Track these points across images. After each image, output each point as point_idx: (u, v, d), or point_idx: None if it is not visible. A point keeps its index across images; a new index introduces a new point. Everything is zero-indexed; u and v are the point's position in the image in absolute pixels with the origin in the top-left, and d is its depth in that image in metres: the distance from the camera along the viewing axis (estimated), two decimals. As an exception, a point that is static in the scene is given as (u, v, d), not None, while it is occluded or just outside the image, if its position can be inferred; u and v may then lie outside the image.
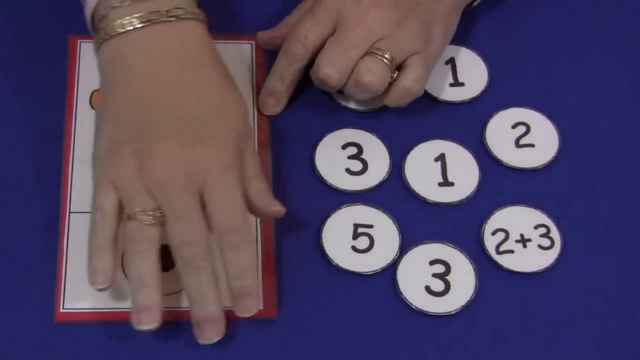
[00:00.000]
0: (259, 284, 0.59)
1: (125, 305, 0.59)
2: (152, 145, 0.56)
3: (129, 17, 0.58)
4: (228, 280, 0.57)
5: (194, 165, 0.56)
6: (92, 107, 0.66)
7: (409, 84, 0.64)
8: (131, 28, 0.59)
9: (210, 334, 0.56)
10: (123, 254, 0.59)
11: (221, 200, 0.56)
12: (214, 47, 0.61)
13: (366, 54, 0.63)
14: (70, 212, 0.62)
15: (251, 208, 0.58)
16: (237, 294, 0.57)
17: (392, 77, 0.64)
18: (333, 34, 0.64)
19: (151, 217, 0.56)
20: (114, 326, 0.58)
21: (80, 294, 0.59)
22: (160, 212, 0.56)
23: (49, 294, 0.59)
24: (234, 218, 0.57)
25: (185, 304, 0.59)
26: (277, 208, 0.59)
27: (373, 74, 0.62)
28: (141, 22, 0.58)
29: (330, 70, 0.63)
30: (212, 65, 0.60)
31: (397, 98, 0.65)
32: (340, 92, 0.67)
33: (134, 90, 0.58)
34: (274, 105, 0.67)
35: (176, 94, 0.58)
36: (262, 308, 0.59)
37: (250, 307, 0.57)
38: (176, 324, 0.59)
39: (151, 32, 0.59)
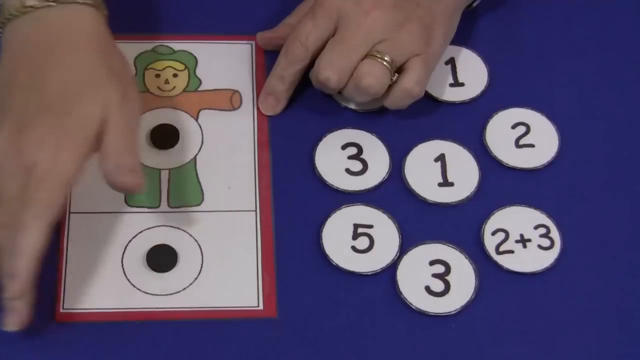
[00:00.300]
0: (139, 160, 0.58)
1: (125, 305, 0.59)
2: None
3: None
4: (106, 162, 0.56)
5: (29, 146, 0.55)
6: (92, 108, 0.67)
7: (410, 85, 0.64)
8: (17, 14, 0.59)
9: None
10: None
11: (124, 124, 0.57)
12: (101, 35, 0.60)
13: (366, 56, 0.63)
14: (70, 213, 0.62)
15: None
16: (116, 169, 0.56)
17: (391, 79, 0.64)
18: (333, 35, 0.64)
19: None
20: (114, 326, 0.58)
21: (80, 294, 0.59)
22: None
23: (49, 294, 0.59)
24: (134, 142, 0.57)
25: (185, 304, 0.60)
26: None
27: (373, 77, 0.62)
28: (32, 6, 0.58)
29: (330, 73, 0.63)
30: (86, 52, 0.59)
31: (397, 100, 0.65)
32: (341, 92, 0.67)
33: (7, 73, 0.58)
34: (274, 106, 0.67)
35: (38, 80, 0.57)
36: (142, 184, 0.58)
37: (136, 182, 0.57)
38: (176, 324, 0.59)
39: (36, 17, 0.58)
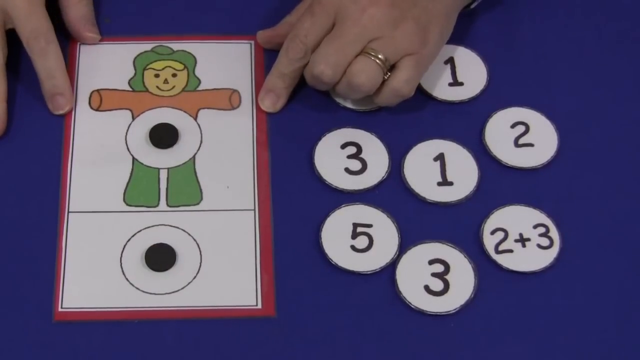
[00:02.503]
0: (68, 80, 0.66)
1: (124, 304, 0.59)
2: None
3: None
4: (41, 84, 0.65)
5: None
6: (92, 108, 0.66)
7: (398, 85, 0.64)
8: None
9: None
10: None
11: (22, 11, 0.64)
12: None
13: (360, 53, 0.63)
14: (69, 212, 0.62)
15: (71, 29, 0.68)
16: (50, 94, 0.65)
17: (384, 77, 0.64)
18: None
19: None
20: (112, 325, 0.58)
21: (78, 293, 0.59)
22: None
23: (48, 293, 0.59)
24: (37, 24, 0.65)
25: (183, 303, 0.60)
26: (90, 35, 0.68)
27: (365, 75, 0.63)
28: None
29: (324, 67, 0.63)
30: None
31: (386, 98, 0.65)
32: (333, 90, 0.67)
33: None
34: (274, 103, 0.67)
35: None
36: (72, 105, 0.66)
37: (63, 104, 0.65)
38: (174, 323, 0.59)
39: None
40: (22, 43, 0.65)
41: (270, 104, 0.67)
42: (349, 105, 0.68)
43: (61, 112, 0.65)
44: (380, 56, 0.63)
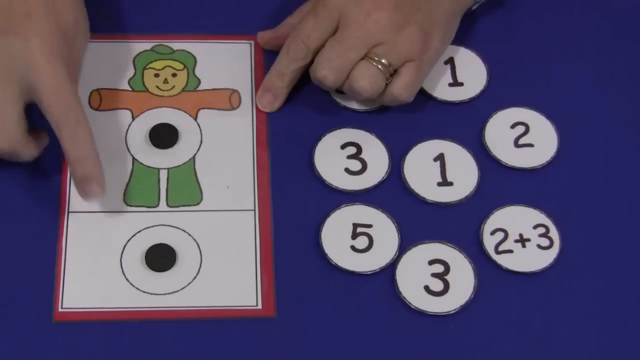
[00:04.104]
0: (100, 165, 0.60)
1: (124, 304, 0.59)
2: None
3: None
4: (70, 170, 0.59)
5: (16, 52, 0.57)
6: (91, 107, 0.66)
7: (397, 91, 0.64)
8: None
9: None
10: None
11: (49, 87, 0.57)
12: None
13: (364, 57, 0.63)
14: (69, 212, 0.62)
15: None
16: (81, 180, 0.59)
17: (387, 82, 0.64)
18: (334, 34, 0.64)
19: None
20: (112, 326, 0.58)
21: (78, 294, 0.59)
22: None
23: (48, 294, 0.59)
24: (66, 106, 0.58)
25: (183, 303, 0.60)
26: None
27: (367, 81, 0.63)
28: None
29: (327, 72, 0.63)
30: None
31: (386, 102, 0.66)
32: (340, 91, 0.67)
33: None
34: (272, 102, 0.67)
35: None
36: (105, 191, 0.60)
37: (96, 191, 0.59)
38: (174, 324, 0.59)
39: None
40: (47, 120, 0.59)
41: (268, 104, 0.67)
42: (349, 105, 0.68)
43: (93, 199, 0.59)
44: (383, 61, 0.63)
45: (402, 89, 0.64)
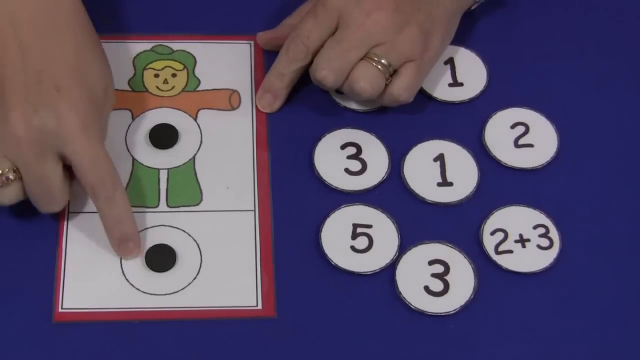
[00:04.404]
0: (136, 224, 0.61)
1: (124, 305, 0.59)
2: (7, 112, 0.57)
3: None
4: (107, 231, 0.60)
5: (50, 128, 0.57)
6: (91, 107, 0.66)
7: (397, 92, 0.64)
8: None
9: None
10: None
11: (85, 157, 0.58)
12: (78, 11, 0.61)
13: (363, 58, 0.63)
14: (69, 212, 0.62)
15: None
16: (118, 240, 0.60)
17: (386, 83, 0.64)
18: (334, 34, 0.64)
19: (5, 179, 0.57)
20: (112, 326, 0.58)
21: (79, 294, 0.59)
22: (16, 172, 0.58)
23: (48, 294, 0.59)
24: (103, 172, 0.58)
25: (184, 303, 0.60)
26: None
27: (367, 82, 0.63)
28: None
29: (326, 73, 0.63)
30: (72, 30, 0.60)
31: (386, 102, 0.66)
32: (340, 91, 0.67)
33: None
34: (271, 103, 0.67)
35: (31, 58, 0.58)
36: (140, 248, 0.61)
37: (133, 248, 0.60)
38: (175, 324, 0.59)
39: None
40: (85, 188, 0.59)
41: (268, 104, 0.67)
42: (348, 105, 0.68)
43: (130, 257, 0.60)
44: (383, 61, 0.63)
45: (402, 90, 0.64)
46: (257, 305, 0.60)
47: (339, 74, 0.63)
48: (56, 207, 0.59)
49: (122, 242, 0.60)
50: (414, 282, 0.61)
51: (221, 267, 0.61)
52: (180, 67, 0.69)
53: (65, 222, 0.62)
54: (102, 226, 0.62)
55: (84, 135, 0.57)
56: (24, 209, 0.62)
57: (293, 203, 0.64)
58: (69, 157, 0.58)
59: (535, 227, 0.64)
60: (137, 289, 0.60)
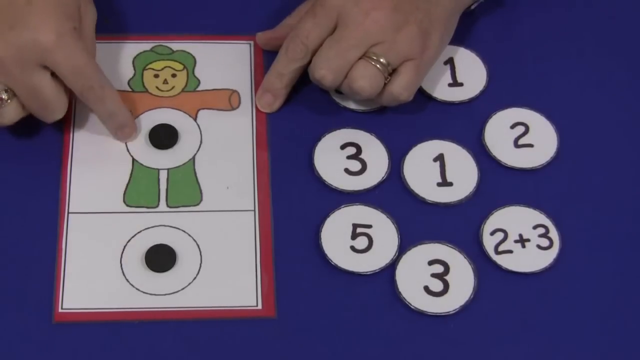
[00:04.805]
0: (128, 111, 0.65)
1: (124, 305, 0.59)
2: None
3: None
4: (104, 123, 0.64)
5: (26, 41, 0.59)
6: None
7: (397, 90, 0.64)
8: None
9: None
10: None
11: (66, 66, 0.60)
12: None
13: (362, 57, 0.63)
14: (69, 213, 0.62)
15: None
16: (116, 129, 0.65)
17: (385, 82, 0.64)
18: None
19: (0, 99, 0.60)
20: (112, 326, 0.58)
21: (79, 294, 0.59)
22: (8, 92, 0.60)
23: (48, 294, 0.59)
24: (86, 77, 0.61)
25: (184, 303, 0.60)
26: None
27: (366, 81, 0.63)
28: None
29: (325, 72, 0.63)
30: None
31: (386, 102, 0.66)
32: (339, 91, 0.67)
33: None
34: (271, 103, 0.67)
35: None
36: (137, 131, 0.65)
37: (130, 132, 0.65)
38: (175, 324, 0.59)
39: None
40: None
41: (267, 104, 0.67)
42: (348, 105, 0.68)
43: (128, 140, 0.65)
44: (382, 60, 0.63)
45: (402, 89, 0.64)
46: (257, 306, 0.60)
47: (337, 74, 0.63)
48: (57, 114, 0.62)
49: (119, 129, 0.64)
50: (414, 282, 0.61)
51: (221, 267, 0.61)
52: (180, 67, 0.69)
53: (66, 223, 0.62)
54: (102, 227, 0.62)
55: (60, 44, 0.59)
56: (25, 209, 0.62)
57: (293, 203, 0.64)
58: (52, 68, 0.60)
59: (535, 227, 0.64)
60: (137, 289, 0.60)
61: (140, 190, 0.63)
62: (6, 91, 0.60)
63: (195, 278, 0.61)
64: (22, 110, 0.61)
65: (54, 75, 0.61)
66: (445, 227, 0.64)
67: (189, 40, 0.70)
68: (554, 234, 0.64)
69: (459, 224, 0.64)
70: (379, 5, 0.63)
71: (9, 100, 0.60)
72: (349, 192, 0.65)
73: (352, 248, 0.62)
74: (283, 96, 0.67)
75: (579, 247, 0.63)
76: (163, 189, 0.64)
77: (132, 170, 0.64)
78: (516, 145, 0.67)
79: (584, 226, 0.64)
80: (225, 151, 0.66)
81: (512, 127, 0.68)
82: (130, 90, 0.68)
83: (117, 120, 0.64)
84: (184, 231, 0.62)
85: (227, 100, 0.68)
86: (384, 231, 0.63)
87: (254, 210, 0.63)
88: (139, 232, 0.62)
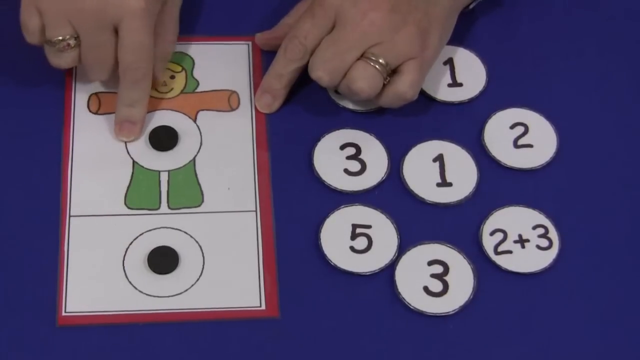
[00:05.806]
0: (146, 113, 0.65)
1: (127, 307, 0.60)
2: None
3: None
4: (118, 109, 0.64)
5: (115, 0, 0.60)
6: (90, 111, 0.66)
7: (403, 89, 0.64)
8: None
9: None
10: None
11: (134, 36, 0.62)
12: None
13: (361, 57, 0.63)
14: (70, 216, 0.62)
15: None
16: (121, 119, 0.64)
17: (384, 83, 0.64)
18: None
19: (66, 44, 0.62)
20: (116, 329, 0.59)
21: (82, 298, 0.60)
22: (77, 39, 0.62)
23: (51, 298, 0.59)
24: (141, 57, 0.63)
25: (187, 305, 0.60)
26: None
27: (365, 82, 0.63)
28: None
29: (322, 73, 0.63)
30: None
31: (390, 102, 0.65)
32: (338, 92, 0.67)
33: None
34: (270, 103, 0.67)
35: None
36: (141, 133, 0.65)
37: (134, 131, 0.65)
38: (178, 326, 0.59)
39: None
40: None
41: (267, 105, 0.67)
42: (348, 106, 0.68)
43: (125, 139, 0.64)
44: (380, 61, 0.63)
45: (407, 87, 0.64)
46: (260, 306, 0.60)
47: (334, 75, 0.63)
48: (104, 76, 0.64)
49: (124, 122, 0.64)
50: (414, 282, 0.62)
51: (224, 268, 0.61)
52: (179, 68, 0.69)
53: (67, 226, 0.62)
54: (104, 230, 0.62)
55: (142, 15, 0.61)
56: (26, 213, 0.62)
57: (293, 203, 0.64)
58: (120, 32, 0.61)
59: (534, 228, 0.64)
60: (140, 291, 0.60)
61: (142, 193, 0.64)
62: (75, 38, 0.62)
63: (198, 279, 0.61)
64: (78, 60, 0.63)
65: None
66: (444, 228, 0.64)
67: (187, 41, 0.69)
68: (553, 234, 0.64)
69: (458, 224, 0.64)
70: (376, 6, 0.63)
71: (73, 48, 0.62)
72: (348, 193, 0.65)
73: (352, 248, 0.62)
74: (282, 97, 0.67)
75: (578, 247, 0.64)
76: (164, 191, 0.64)
77: (132, 173, 0.64)
78: (516, 145, 0.67)
79: (583, 226, 0.64)
80: (226, 152, 0.66)
81: (512, 127, 0.68)
82: (129, 91, 0.67)
83: (133, 112, 0.64)
84: (186, 233, 0.62)
85: (227, 101, 0.68)
86: (384, 231, 0.63)
87: (256, 211, 0.64)
88: (141, 235, 0.62)
